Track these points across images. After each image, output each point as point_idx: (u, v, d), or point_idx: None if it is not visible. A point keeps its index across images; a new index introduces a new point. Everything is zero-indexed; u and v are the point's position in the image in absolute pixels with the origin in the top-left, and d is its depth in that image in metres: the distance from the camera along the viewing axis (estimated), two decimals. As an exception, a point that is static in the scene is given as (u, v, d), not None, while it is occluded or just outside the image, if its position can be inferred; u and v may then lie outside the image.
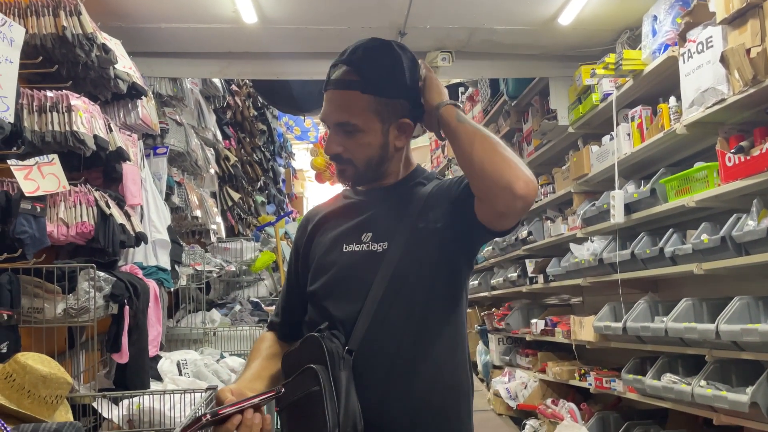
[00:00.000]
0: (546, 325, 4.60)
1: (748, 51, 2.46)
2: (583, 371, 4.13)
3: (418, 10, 3.40)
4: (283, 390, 1.27)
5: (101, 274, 2.29)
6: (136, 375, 2.50)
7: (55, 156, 2.21)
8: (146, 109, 3.04)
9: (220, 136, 4.88)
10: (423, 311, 1.37)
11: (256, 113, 6.60)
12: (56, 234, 2.23)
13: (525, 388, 4.97)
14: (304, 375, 1.26)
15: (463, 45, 3.87)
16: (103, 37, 2.55)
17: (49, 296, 2.19)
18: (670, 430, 3.44)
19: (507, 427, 5.08)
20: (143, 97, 2.94)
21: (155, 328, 2.82)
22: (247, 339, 3.94)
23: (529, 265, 4.93)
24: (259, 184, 6.89)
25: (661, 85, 3.34)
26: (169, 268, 3.19)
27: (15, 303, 2.08)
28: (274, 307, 1.87)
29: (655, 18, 3.24)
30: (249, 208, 6.41)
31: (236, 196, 5.63)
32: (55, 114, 2.27)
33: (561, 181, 4.42)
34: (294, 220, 6.86)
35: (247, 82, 5.96)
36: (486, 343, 6.24)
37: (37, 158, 2.15)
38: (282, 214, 7.22)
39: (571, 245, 4.10)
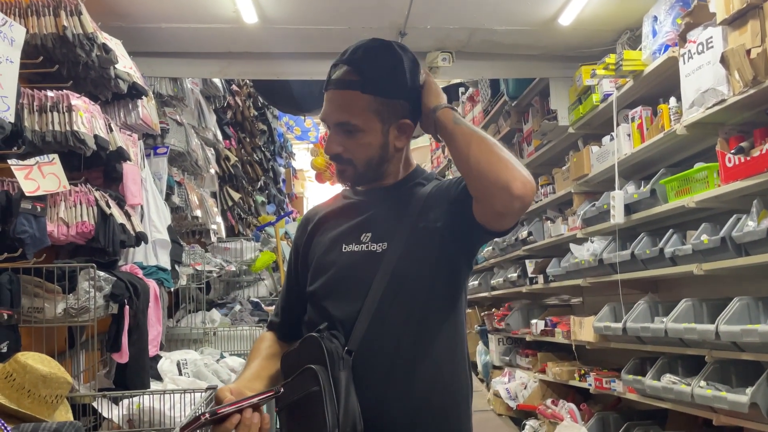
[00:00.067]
0: (546, 325, 4.60)
1: (749, 52, 2.46)
2: (583, 372, 4.13)
3: (418, 10, 3.40)
4: (282, 390, 1.27)
5: (101, 273, 2.29)
6: (136, 375, 2.50)
7: (56, 156, 2.21)
8: (146, 109, 3.04)
9: (220, 136, 4.88)
10: (422, 311, 1.37)
11: (256, 113, 6.61)
12: (56, 234, 2.23)
13: (525, 388, 4.97)
14: (304, 375, 1.26)
15: (464, 45, 3.87)
16: (104, 37, 2.55)
17: (50, 296, 2.19)
18: (669, 430, 3.44)
19: (507, 428, 5.07)
20: (144, 97, 2.94)
21: (155, 327, 2.82)
22: (247, 339, 3.94)
23: (529, 266, 4.93)
24: (259, 184, 6.90)
25: (661, 86, 3.34)
26: (169, 267, 3.19)
27: (15, 302, 2.08)
28: (273, 307, 1.87)
29: (656, 18, 3.24)
30: (249, 208, 6.41)
31: (236, 196, 5.63)
32: (55, 114, 2.28)
33: (561, 182, 4.42)
34: (294, 220, 6.86)
35: (248, 82, 5.96)
36: (486, 344, 6.24)
37: (37, 158, 2.15)
38: (282, 214, 7.23)
39: (571, 245, 4.10)
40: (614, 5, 3.41)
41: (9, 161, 2.08)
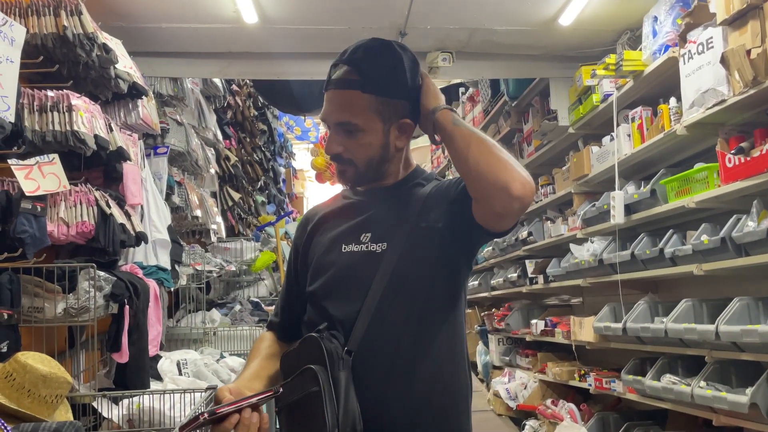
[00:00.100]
0: (546, 325, 4.60)
1: (749, 52, 2.46)
2: (582, 372, 4.13)
3: (418, 10, 3.40)
4: (281, 390, 1.28)
5: (101, 273, 2.29)
6: (136, 375, 2.50)
7: (56, 155, 2.21)
8: (147, 108, 3.04)
9: (220, 136, 4.88)
10: (422, 311, 1.37)
11: (256, 113, 6.61)
12: (56, 233, 2.23)
13: (525, 388, 4.97)
14: (303, 375, 1.26)
15: (464, 45, 3.87)
16: (104, 37, 2.55)
17: (50, 296, 2.19)
18: (669, 430, 3.44)
19: (507, 428, 5.07)
20: (144, 96, 2.94)
21: (155, 327, 2.82)
22: (247, 339, 3.94)
23: (529, 266, 4.93)
24: (259, 184, 6.90)
25: (661, 86, 3.34)
26: (169, 267, 3.19)
27: (15, 302, 2.08)
28: (273, 307, 1.87)
29: (656, 19, 3.24)
30: (249, 207, 6.42)
31: (236, 195, 5.63)
32: (55, 113, 2.28)
33: (561, 182, 4.42)
34: (294, 220, 6.85)
35: (248, 81, 5.96)
36: (486, 344, 6.24)
37: (37, 158, 2.15)
38: (282, 214, 7.23)
39: (571, 246, 4.10)
40: (614, 5, 3.42)
41: (9, 161, 2.08)
